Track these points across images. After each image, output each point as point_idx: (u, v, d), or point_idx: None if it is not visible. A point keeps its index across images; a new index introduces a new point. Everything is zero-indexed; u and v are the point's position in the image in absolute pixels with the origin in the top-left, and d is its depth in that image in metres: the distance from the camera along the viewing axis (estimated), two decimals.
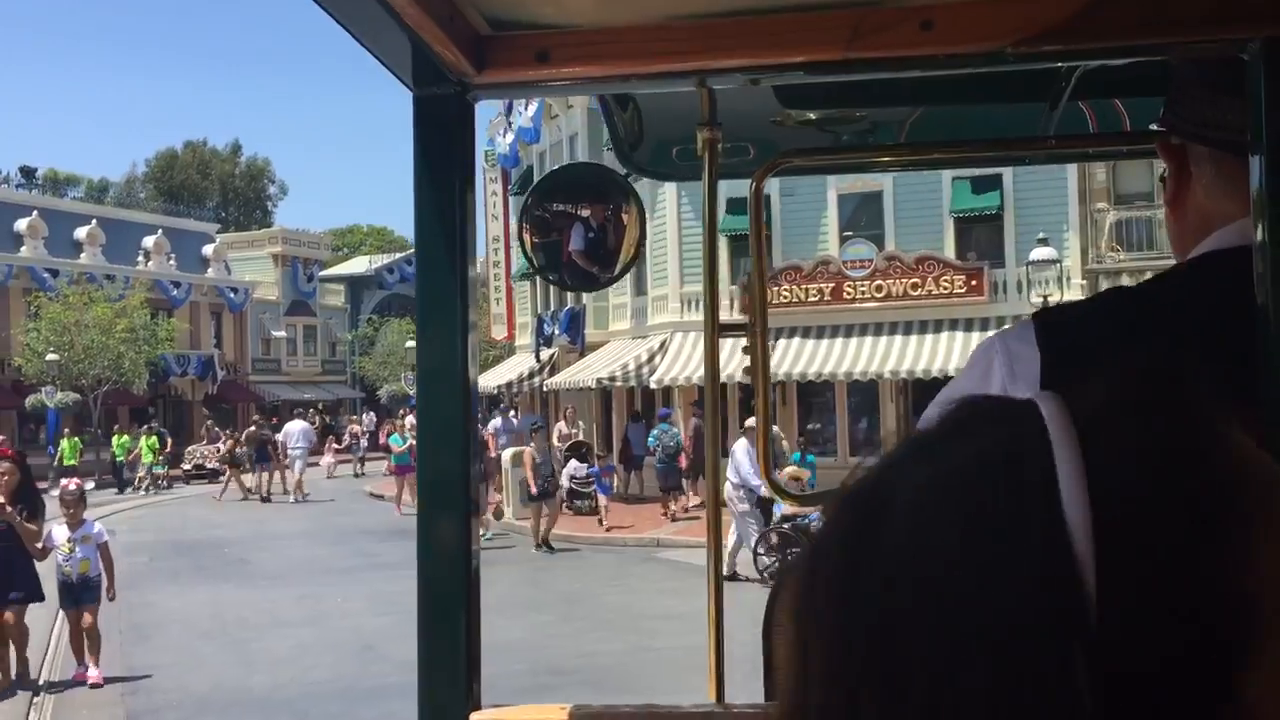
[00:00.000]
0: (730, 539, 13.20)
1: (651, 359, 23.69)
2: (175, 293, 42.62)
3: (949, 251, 22.84)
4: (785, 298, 22.74)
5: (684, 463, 20.36)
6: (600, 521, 18.71)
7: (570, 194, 1.89)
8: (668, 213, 23.92)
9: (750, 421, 13.55)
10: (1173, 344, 1.04)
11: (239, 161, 76.15)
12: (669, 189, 22.31)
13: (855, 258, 22.65)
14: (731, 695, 1.85)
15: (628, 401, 25.47)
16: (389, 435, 27.53)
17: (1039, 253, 19.87)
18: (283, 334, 50.83)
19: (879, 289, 22.40)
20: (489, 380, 33.21)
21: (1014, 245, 22.20)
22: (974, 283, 22.08)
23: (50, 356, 33.14)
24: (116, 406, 37.55)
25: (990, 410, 0.55)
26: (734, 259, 21.94)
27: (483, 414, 22.53)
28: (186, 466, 34.17)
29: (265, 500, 26.55)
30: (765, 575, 12.74)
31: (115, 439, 31.55)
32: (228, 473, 28.50)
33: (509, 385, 30.69)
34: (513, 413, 27.42)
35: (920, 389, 20.84)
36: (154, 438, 31.27)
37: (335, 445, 35.88)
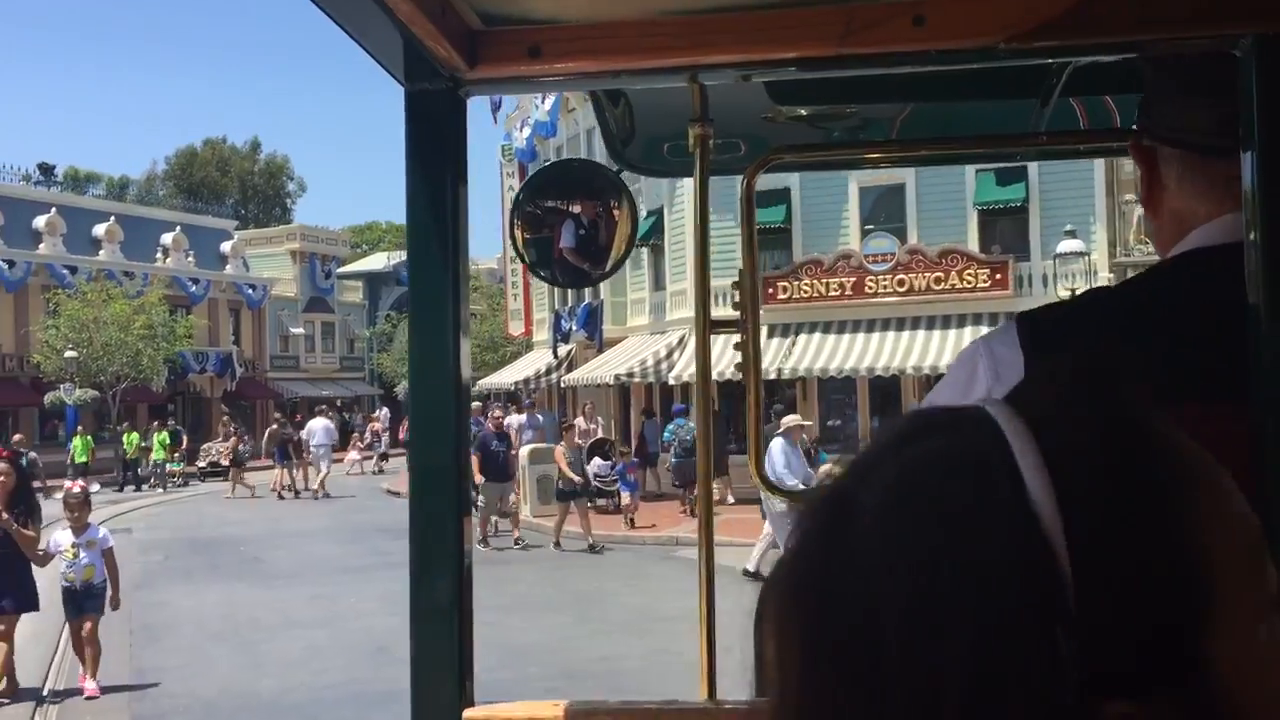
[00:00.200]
0: (763, 539, 12.93)
1: (670, 355, 23.45)
2: (194, 289, 42.66)
3: (973, 245, 22.47)
4: (805, 292, 22.48)
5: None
6: (631, 521, 18.43)
7: (562, 190, 1.89)
8: (687, 207, 23.64)
9: (788, 420, 13.29)
10: (1125, 344, 1.08)
11: (258, 159, 76.30)
12: (688, 183, 22.10)
13: (877, 251, 22.30)
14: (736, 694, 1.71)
15: (646, 398, 25.26)
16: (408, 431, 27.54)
17: (1066, 245, 19.50)
18: (301, 331, 50.81)
19: (901, 283, 22.05)
20: (506, 377, 33.08)
21: (1039, 238, 21.83)
22: (998, 276, 21.70)
23: (69, 354, 33.19)
24: (135, 404, 37.59)
25: (944, 416, 0.57)
26: (759, 252, 21.61)
27: (502, 409, 22.34)
28: (202, 464, 34.19)
29: (296, 495, 26.92)
30: None
31: (126, 437, 31.50)
32: (232, 471, 28.75)
33: (526, 381, 30.55)
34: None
35: None
36: (164, 434, 31.27)
37: (359, 443, 35.89)
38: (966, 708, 0.47)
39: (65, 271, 37.17)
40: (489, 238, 79.59)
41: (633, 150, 2.29)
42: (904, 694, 0.48)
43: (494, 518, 17.47)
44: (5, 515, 8.19)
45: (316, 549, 17.81)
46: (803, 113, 2.13)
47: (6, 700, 8.65)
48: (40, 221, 38.49)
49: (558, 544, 16.77)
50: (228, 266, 46.36)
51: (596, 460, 19.64)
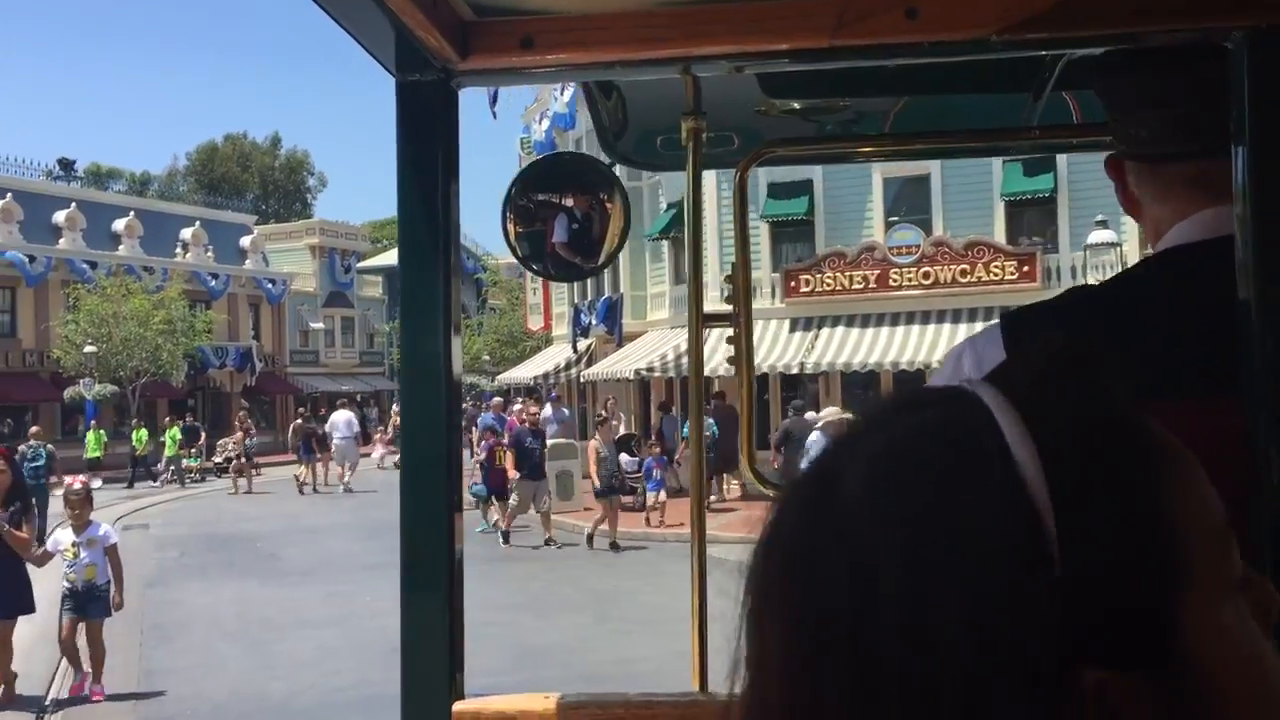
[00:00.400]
0: None
1: None
2: (213, 284, 42.67)
3: (999, 236, 22.03)
4: (829, 285, 22.14)
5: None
6: (648, 519, 17.86)
7: (554, 184, 1.88)
8: (707, 199, 23.30)
9: (827, 412, 13.01)
10: (1105, 340, 1.13)
11: (278, 154, 76.48)
12: (708, 176, 21.78)
13: (901, 243, 21.89)
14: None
15: (666, 392, 24.98)
16: None
17: (1097, 236, 19.05)
18: (320, 325, 50.80)
19: (926, 275, 21.65)
20: (525, 371, 32.88)
21: (1068, 229, 21.35)
22: (1026, 269, 21.27)
23: (88, 348, 33.23)
24: (155, 399, 37.58)
25: (928, 393, 0.58)
26: (776, 245, 21.39)
27: (523, 403, 22.08)
28: (218, 459, 34.14)
29: (315, 490, 26.84)
30: None
31: (135, 434, 31.35)
32: (234, 465, 28.66)
33: (545, 376, 30.34)
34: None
35: None
36: (175, 429, 31.19)
37: (385, 437, 35.79)
38: (965, 671, 0.47)
39: (85, 266, 37.19)
40: None
41: (625, 143, 2.29)
42: (899, 660, 0.48)
43: (519, 515, 17.15)
44: None
45: (334, 545, 17.61)
46: (796, 106, 2.14)
47: (7, 703, 8.42)
48: (60, 217, 38.56)
49: (590, 541, 16.38)
50: (247, 261, 46.36)
51: (623, 456, 19.35)
